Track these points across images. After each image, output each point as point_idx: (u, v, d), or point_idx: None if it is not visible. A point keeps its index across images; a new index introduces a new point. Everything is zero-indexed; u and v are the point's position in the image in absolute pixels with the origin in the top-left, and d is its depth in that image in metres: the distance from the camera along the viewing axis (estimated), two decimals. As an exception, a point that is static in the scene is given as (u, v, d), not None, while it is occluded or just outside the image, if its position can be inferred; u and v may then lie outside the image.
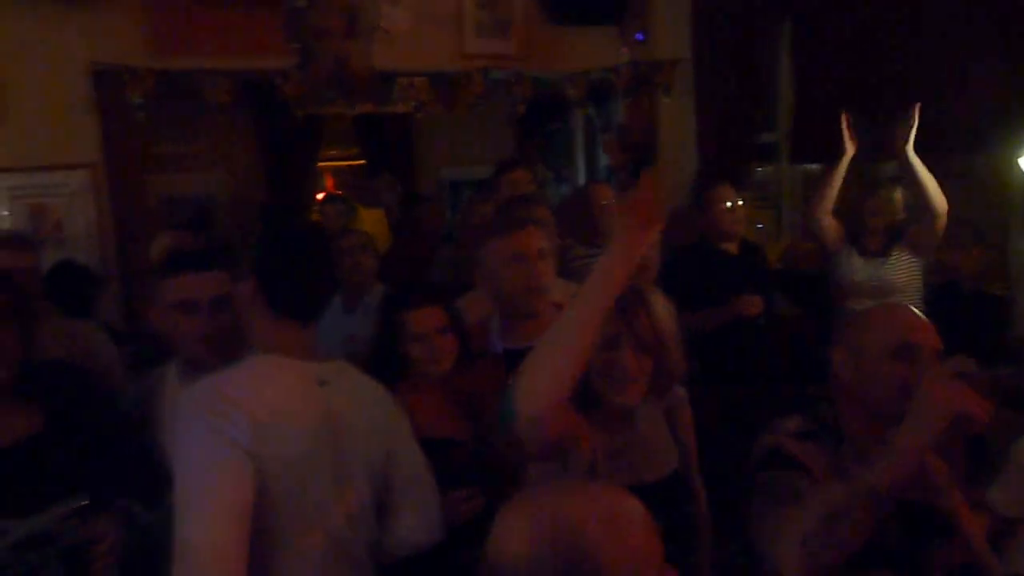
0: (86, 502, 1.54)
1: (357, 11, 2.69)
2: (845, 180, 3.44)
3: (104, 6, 3.66)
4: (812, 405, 1.60)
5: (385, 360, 1.95)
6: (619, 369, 1.51)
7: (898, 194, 3.36)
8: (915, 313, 1.56)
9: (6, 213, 3.63)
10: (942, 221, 3.21)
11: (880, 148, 3.37)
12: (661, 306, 1.55)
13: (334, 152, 6.24)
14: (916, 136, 3.11)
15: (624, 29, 4.85)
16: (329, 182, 6.65)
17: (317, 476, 1.45)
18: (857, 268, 3.41)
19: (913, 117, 3.12)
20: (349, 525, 1.50)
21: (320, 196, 5.95)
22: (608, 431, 1.55)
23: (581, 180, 5.57)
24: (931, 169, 3.17)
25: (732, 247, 3.45)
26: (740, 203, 3.45)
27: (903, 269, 3.37)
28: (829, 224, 3.46)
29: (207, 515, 1.32)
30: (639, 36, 4.81)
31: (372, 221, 5.02)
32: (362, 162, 6.13)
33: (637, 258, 1.29)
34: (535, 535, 0.89)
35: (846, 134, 3.39)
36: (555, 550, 0.88)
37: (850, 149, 3.40)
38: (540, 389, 1.29)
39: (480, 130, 5.70)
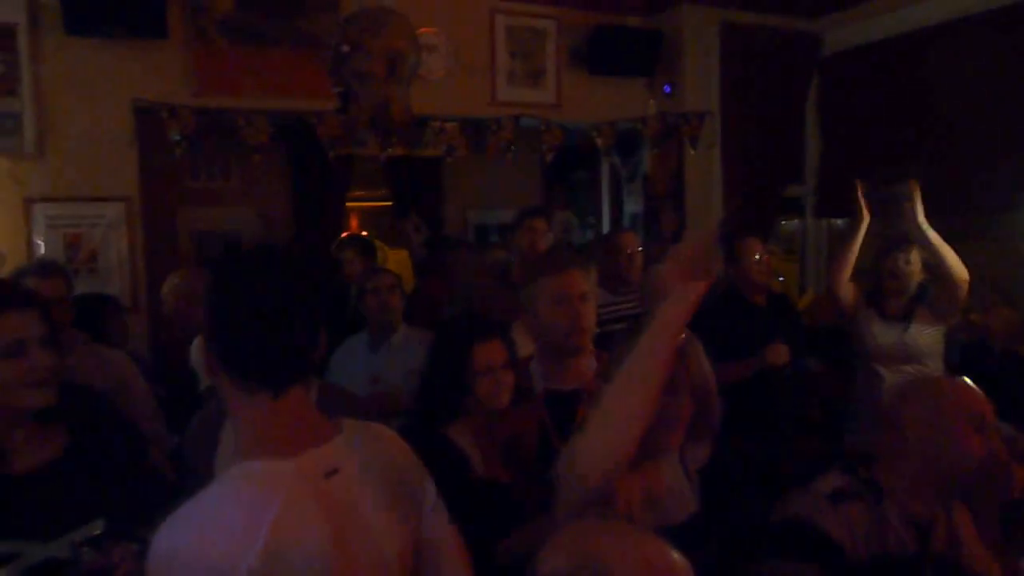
0: (102, 530, 1.52)
1: (399, 57, 2.76)
2: (864, 240, 3.41)
3: (149, 46, 3.78)
4: (847, 460, 1.58)
5: (440, 394, 1.91)
6: (674, 413, 1.47)
7: (915, 255, 3.30)
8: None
9: (41, 241, 3.69)
10: (963, 290, 3.15)
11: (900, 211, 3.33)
12: (703, 353, 1.54)
13: (361, 193, 6.33)
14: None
15: (653, 81, 4.92)
16: (353, 222, 6.73)
17: None
18: (879, 332, 3.35)
19: (913, 192, 3.12)
20: None
21: (344, 236, 6.02)
22: (640, 476, 1.53)
23: (606, 228, 5.60)
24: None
25: (760, 298, 3.46)
26: (768, 255, 3.45)
27: (925, 336, 3.30)
28: (847, 290, 3.43)
29: None
30: (666, 88, 4.87)
31: (396, 261, 5.07)
32: (388, 203, 6.21)
33: (692, 310, 1.28)
34: (572, 560, 1.01)
35: (861, 202, 3.38)
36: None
37: (866, 217, 3.39)
38: (603, 454, 1.27)
39: (508, 175, 5.76)
